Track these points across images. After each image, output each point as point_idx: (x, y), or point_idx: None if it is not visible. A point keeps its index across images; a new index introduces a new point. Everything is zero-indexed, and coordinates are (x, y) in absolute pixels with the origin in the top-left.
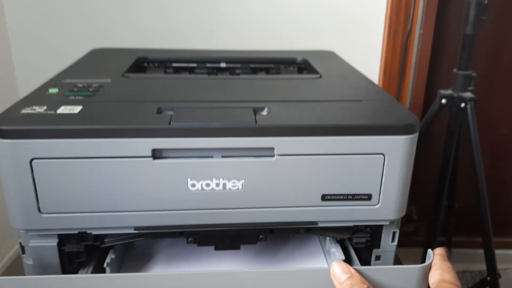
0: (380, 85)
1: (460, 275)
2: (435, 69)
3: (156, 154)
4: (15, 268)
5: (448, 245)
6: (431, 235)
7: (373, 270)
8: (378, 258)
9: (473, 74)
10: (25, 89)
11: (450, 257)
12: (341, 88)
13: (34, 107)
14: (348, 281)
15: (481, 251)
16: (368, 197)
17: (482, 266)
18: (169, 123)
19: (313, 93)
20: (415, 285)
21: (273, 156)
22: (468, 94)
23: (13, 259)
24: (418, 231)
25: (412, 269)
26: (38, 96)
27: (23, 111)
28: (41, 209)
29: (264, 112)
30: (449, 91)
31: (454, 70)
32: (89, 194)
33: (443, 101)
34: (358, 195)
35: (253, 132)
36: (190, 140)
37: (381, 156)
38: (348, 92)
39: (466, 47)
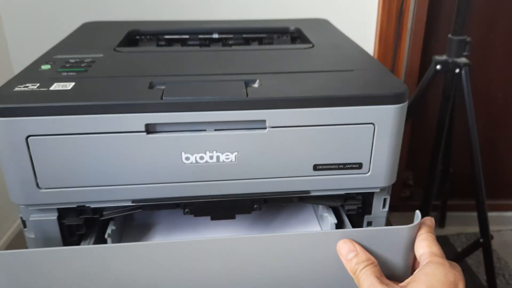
0: (376, 51)
1: (455, 237)
2: (431, 34)
3: (150, 128)
4: (18, 242)
5: (443, 209)
6: (426, 199)
7: (363, 231)
8: (369, 223)
9: (468, 39)
10: (19, 65)
11: (443, 221)
12: (333, 58)
13: (27, 85)
14: (355, 259)
15: (475, 214)
16: (359, 165)
17: (477, 229)
18: (161, 97)
19: (304, 64)
20: (404, 245)
21: (265, 128)
22: (463, 60)
23: (17, 232)
24: (414, 196)
25: (401, 230)
26: (30, 73)
27: (16, 88)
28: (40, 185)
29: (256, 85)
30: (443, 57)
31: (449, 35)
32: (85, 169)
33: (438, 67)
34: (349, 164)
35: (244, 105)
36: (182, 114)
37: (371, 125)
38: (339, 62)
39: (461, 12)
